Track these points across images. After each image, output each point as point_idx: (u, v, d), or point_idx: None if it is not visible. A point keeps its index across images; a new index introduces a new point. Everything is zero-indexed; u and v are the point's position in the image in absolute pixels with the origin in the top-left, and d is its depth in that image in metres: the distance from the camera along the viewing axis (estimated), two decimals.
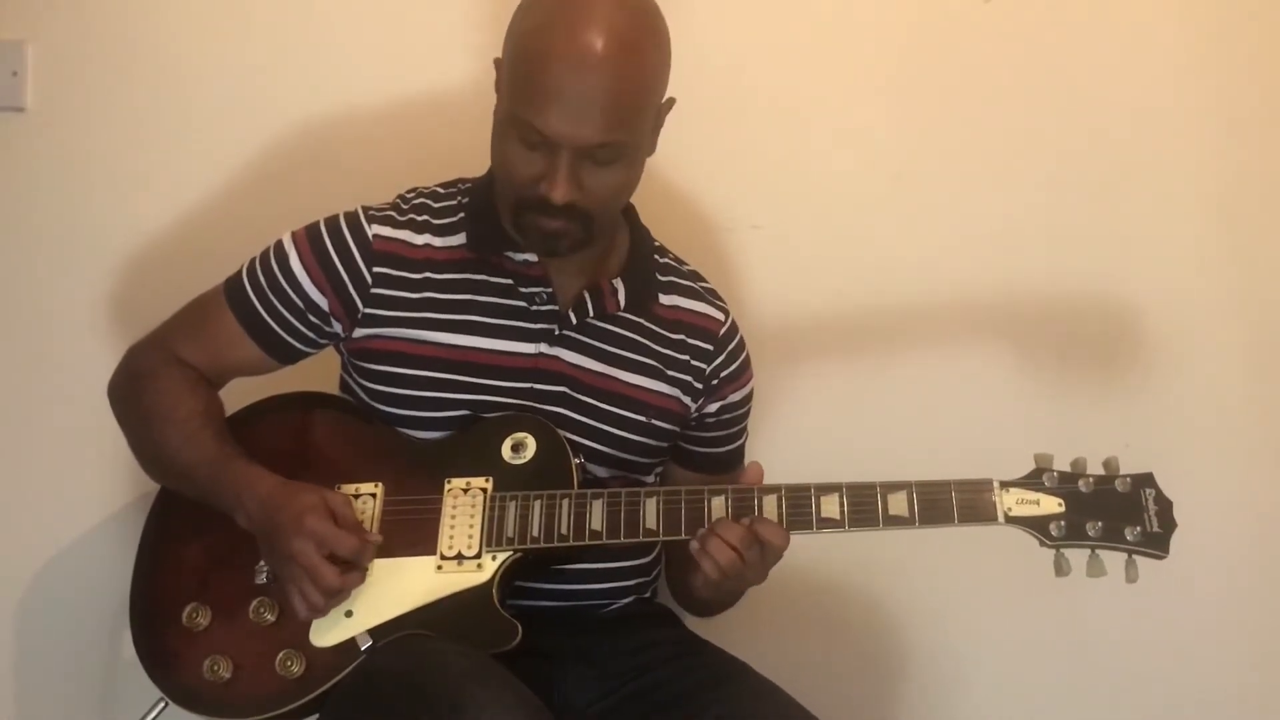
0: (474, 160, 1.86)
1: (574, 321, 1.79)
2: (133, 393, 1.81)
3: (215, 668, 1.67)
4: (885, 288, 2.26)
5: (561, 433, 1.74)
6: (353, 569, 1.64)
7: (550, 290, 1.79)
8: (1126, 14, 2.32)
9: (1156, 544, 1.61)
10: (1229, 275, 2.29)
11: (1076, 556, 1.62)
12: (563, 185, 1.64)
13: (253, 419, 1.83)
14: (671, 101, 1.76)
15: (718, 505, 1.65)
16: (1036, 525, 1.62)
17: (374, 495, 1.72)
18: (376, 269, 1.77)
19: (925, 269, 2.26)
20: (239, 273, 1.82)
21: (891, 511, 1.62)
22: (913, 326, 2.26)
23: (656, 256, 1.91)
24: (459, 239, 1.80)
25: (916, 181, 2.29)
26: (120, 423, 1.83)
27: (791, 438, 2.20)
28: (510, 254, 1.79)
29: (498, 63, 1.74)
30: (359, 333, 1.78)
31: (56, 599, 2.14)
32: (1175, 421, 2.25)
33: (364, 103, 2.20)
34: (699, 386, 1.88)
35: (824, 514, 1.63)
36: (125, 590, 1.77)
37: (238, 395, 1.86)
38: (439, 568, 1.68)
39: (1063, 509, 1.62)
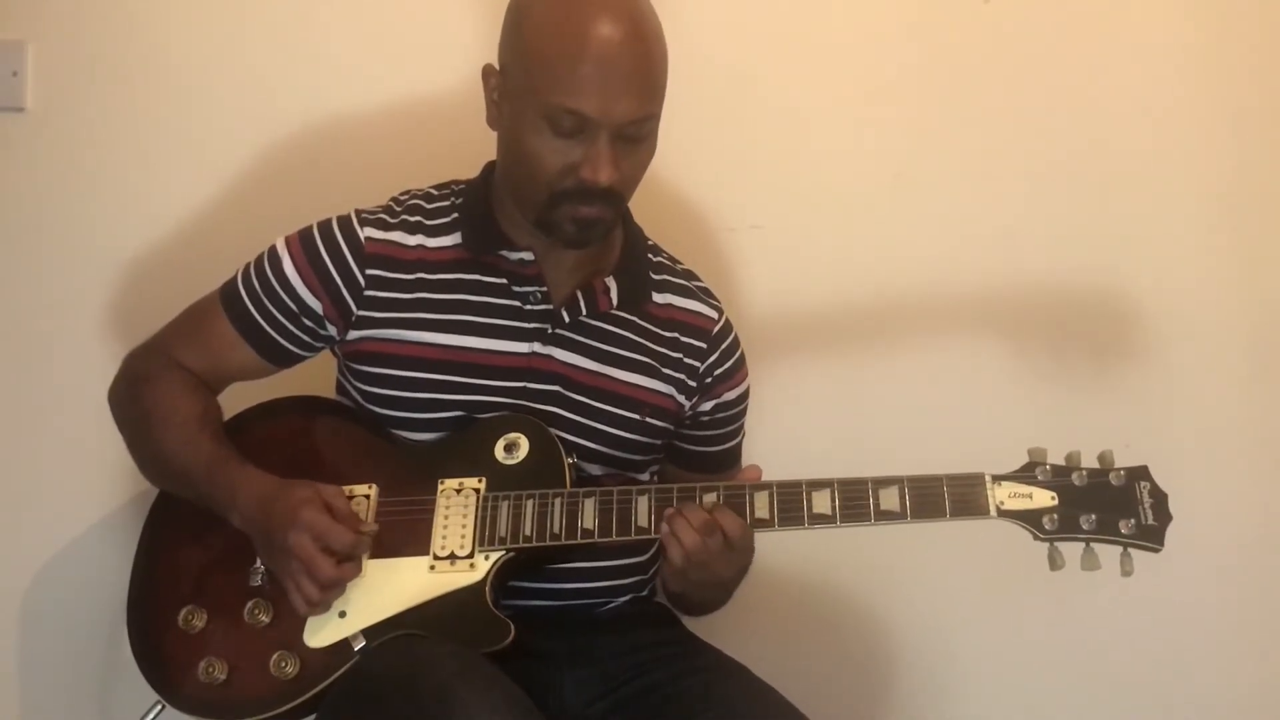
0: (468, 162, 1.88)
1: (567, 320, 1.80)
2: (131, 397, 1.83)
3: (210, 669, 1.68)
4: (885, 287, 2.26)
5: (555, 432, 1.74)
6: (348, 561, 1.65)
7: (544, 289, 1.79)
8: (1126, 13, 2.32)
9: (1151, 537, 1.60)
10: (1230, 274, 2.29)
11: (1071, 551, 1.60)
12: (607, 166, 1.67)
13: (248, 424, 1.84)
14: None
15: (709, 503, 1.65)
16: (1029, 519, 1.61)
17: (368, 497, 1.73)
18: (369, 271, 1.77)
19: (925, 268, 2.26)
20: (234, 278, 1.83)
21: (883, 506, 1.62)
22: (913, 325, 2.26)
23: (650, 255, 1.91)
24: (452, 239, 1.81)
25: (916, 181, 2.29)
26: (120, 427, 1.84)
27: (792, 437, 2.20)
28: (505, 253, 1.80)
29: (491, 70, 1.76)
30: (353, 335, 1.79)
31: (56, 600, 2.15)
32: (1176, 420, 2.25)
33: (362, 105, 2.22)
34: (692, 385, 1.88)
35: (816, 510, 1.63)
36: (124, 591, 1.78)
37: (234, 400, 1.86)
38: (432, 568, 1.68)
39: (1056, 502, 1.61)
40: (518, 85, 1.70)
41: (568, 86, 1.64)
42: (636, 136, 1.69)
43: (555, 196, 1.70)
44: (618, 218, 1.79)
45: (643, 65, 1.67)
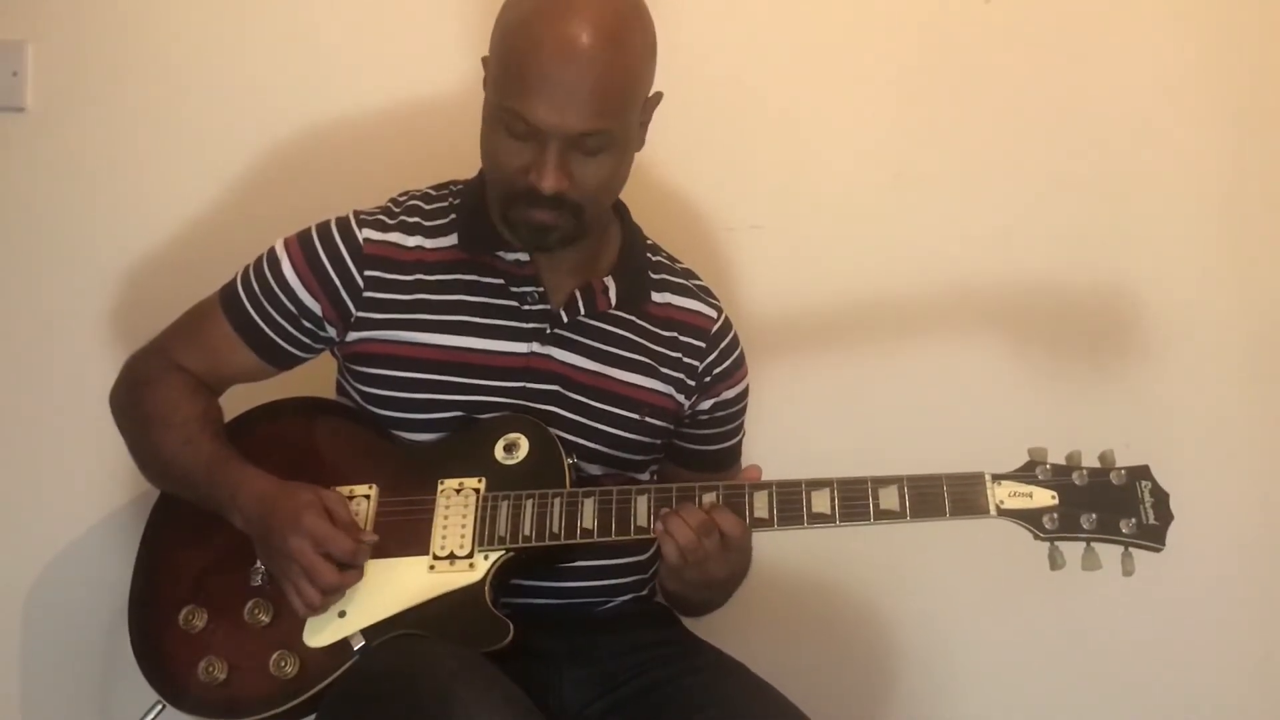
0: (467, 163, 1.87)
1: (566, 320, 1.80)
2: (132, 400, 1.83)
3: (210, 669, 1.68)
4: (885, 287, 2.26)
5: (554, 432, 1.74)
6: (349, 567, 1.65)
7: (542, 289, 1.79)
8: (1126, 13, 2.32)
9: (1152, 536, 1.59)
10: (1230, 274, 2.29)
11: (1072, 551, 1.60)
12: (551, 174, 1.65)
13: (248, 425, 1.84)
14: (659, 96, 1.76)
15: (709, 502, 1.65)
16: (1029, 518, 1.60)
17: (368, 497, 1.73)
18: (368, 272, 1.78)
19: (925, 268, 2.26)
20: (233, 281, 1.83)
21: (883, 506, 1.61)
22: (913, 325, 2.26)
23: (649, 255, 1.91)
24: (450, 240, 1.81)
25: (916, 181, 2.29)
26: (121, 430, 1.85)
27: (792, 436, 2.19)
28: (502, 254, 1.79)
29: (486, 60, 1.75)
30: (352, 336, 1.79)
31: (58, 600, 2.15)
32: (1176, 420, 2.25)
33: (361, 106, 2.22)
34: (691, 384, 1.88)
35: (815, 509, 1.62)
36: (125, 591, 1.78)
37: (235, 402, 1.86)
38: (431, 567, 1.68)
39: (1056, 501, 1.60)
40: (490, 80, 1.71)
41: (518, 91, 1.63)
42: (591, 149, 1.67)
43: (510, 197, 1.71)
44: (578, 226, 1.74)
45: (599, 78, 1.64)
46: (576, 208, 1.71)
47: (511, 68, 1.65)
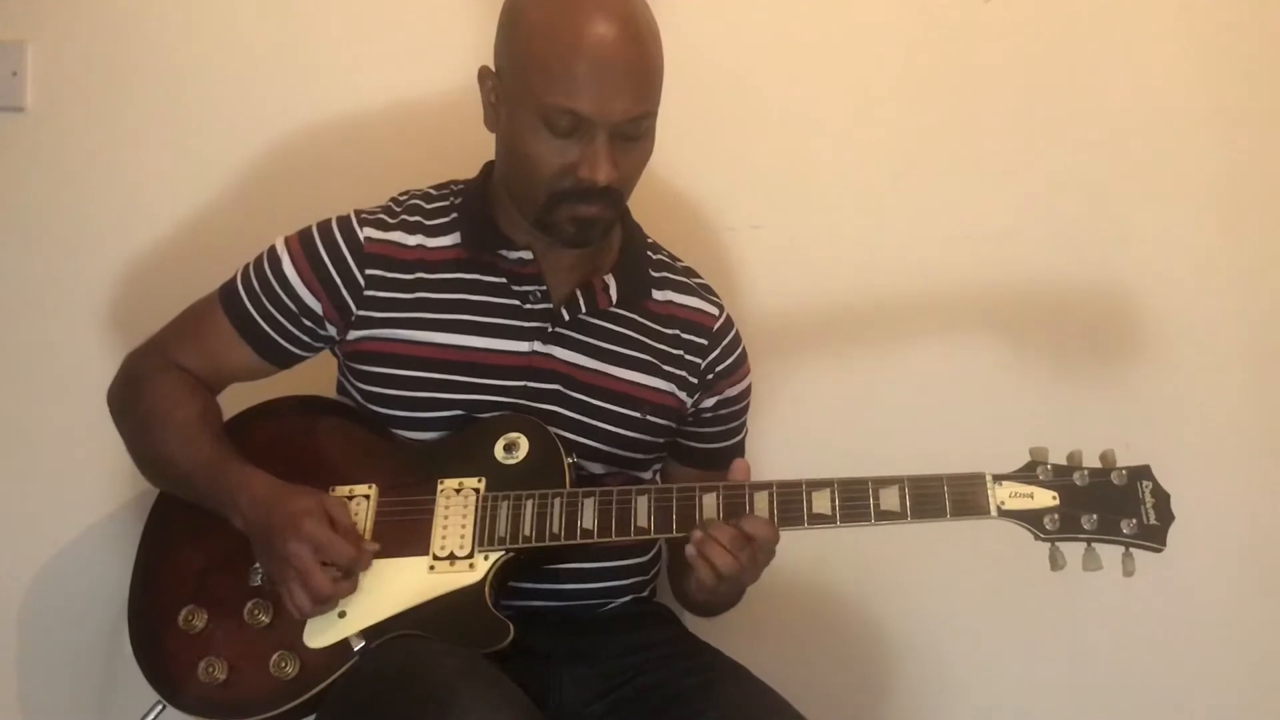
0: (467, 163, 1.88)
1: (567, 318, 1.80)
2: (131, 398, 1.83)
3: (211, 669, 1.68)
4: (886, 287, 2.26)
5: (555, 431, 1.74)
6: (346, 577, 1.65)
7: (544, 288, 1.79)
8: (1126, 13, 2.31)
9: (1153, 536, 1.59)
10: (1230, 274, 2.28)
11: (1072, 551, 1.60)
12: (605, 165, 1.67)
13: (247, 424, 1.84)
14: None
15: (709, 503, 1.65)
16: (1030, 519, 1.60)
17: (367, 497, 1.73)
18: (369, 271, 1.78)
19: (926, 268, 2.26)
20: (233, 279, 1.83)
21: (883, 506, 1.61)
22: (913, 326, 2.25)
23: (649, 253, 1.91)
24: (452, 239, 1.81)
25: (917, 181, 2.28)
26: (120, 429, 1.85)
27: (793, 437, 2.20)
28: (504, 252, 1.80)
29: (486, 72, 1.76)
30: (353, 335, 1.79)
31: (58, 599, 2.15)
32: (1176, 421, 2.24)
33: (361, 105, 2.22)
34: (694, 382, 1.88)
35: (815, 510, 1.62)
36: (125, 591, 1.78)
37: (234, 400, 1.86)
38: (431, 568, 1.68)
39: (1057, 502, 1.60)
40: (513, 87, 1.70)
41: (563, 86, 1.64)
42: (634, 134, 1.69)
43: (554, 197, 1.70)
44: (617, 216, 1.79)
45: (638, 63, 1.67)
46: (619, 196, 1.74)
47: (551, 66, 1.65)
